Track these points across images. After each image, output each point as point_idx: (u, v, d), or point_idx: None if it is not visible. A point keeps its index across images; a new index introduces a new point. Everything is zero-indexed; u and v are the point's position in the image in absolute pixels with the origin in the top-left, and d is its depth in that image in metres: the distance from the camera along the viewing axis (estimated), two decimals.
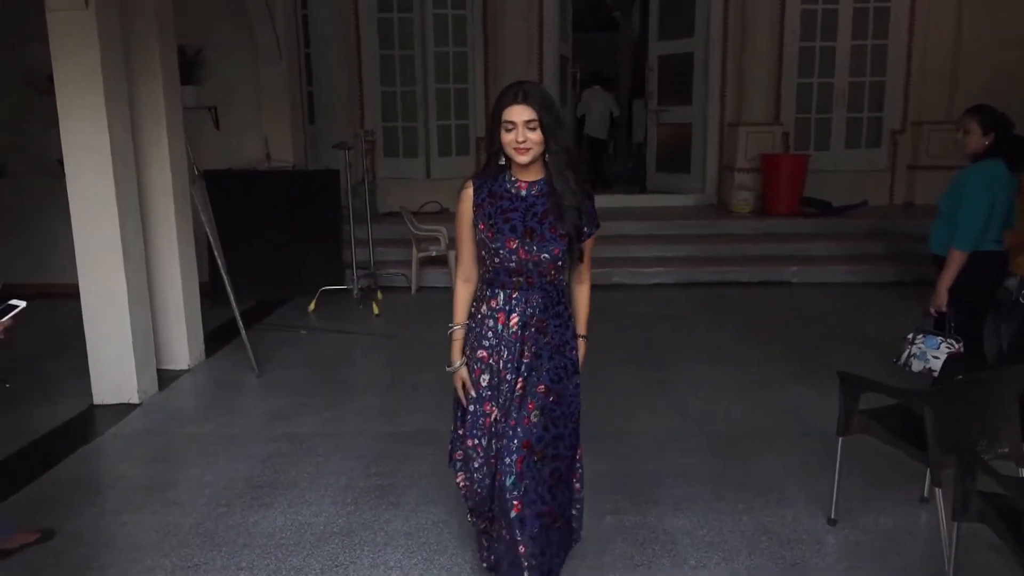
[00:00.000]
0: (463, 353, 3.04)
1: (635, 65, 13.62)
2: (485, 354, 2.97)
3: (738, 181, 10.04)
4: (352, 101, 10.34)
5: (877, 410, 4.06)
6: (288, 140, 8.83)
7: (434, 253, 8.07)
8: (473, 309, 3.00)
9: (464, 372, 3.04)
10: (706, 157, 10.68)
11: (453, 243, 6.07)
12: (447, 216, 8.99)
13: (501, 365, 2.94)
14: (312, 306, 7.50)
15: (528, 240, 2.80)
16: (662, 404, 5.50)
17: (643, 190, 11.14)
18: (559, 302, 2.96)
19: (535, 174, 2.86)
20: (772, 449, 4.88)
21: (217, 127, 8.67)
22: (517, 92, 2.77)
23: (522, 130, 2.75)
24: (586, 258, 3.01)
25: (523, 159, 2.78)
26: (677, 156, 11.00)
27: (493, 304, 2.92)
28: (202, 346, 6.59)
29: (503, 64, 10.19)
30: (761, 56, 10.17)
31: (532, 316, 2.90)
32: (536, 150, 2.79)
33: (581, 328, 3.11)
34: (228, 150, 8.66)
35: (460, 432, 3.12)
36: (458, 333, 3.03)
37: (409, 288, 8.22)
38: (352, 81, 10.34)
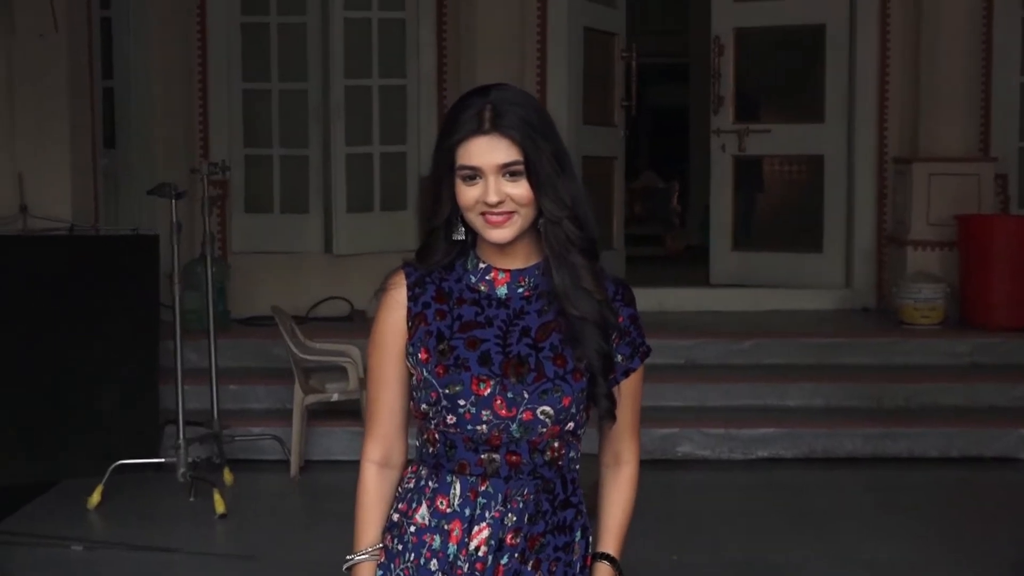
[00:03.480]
0: None
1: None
2: None
3: (915, 266, 8.79)
4: (187, 108, 9.22)
5: None
6: (64, 180, 7.88)
7: (335, 397, 7.25)
8: (398, 517, 2.44)
9: None
10: (852, 222, 9.40)
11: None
12: (362, 327, 7.59)
13: None
14: (96, 496, 6.57)
15: (513, 381, 2.30)
16: None
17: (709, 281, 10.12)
18: (568, 503, 2.41)
19: (523, 257, 2.38)
20: None
21: None
22: (482, 111, 2.27)
23: (495, 183, 2.26)
24: (626, 413, 2.45)
25: (501, 235, 2.30)
26: (791, 220, 9.84)
27: (441, 506, 2.38)
28: None
29: (474, 39, 9.02)
30: (956, 34, 8.87)
31: (515, 530, 2.36)
32: (524, 218, 2.31)
33: (609, 544, 2.48)
34: None
35: None
36: (365, 572, 2.47)
37: (286, 463, 7.21)
38: (188, 71, 9.17)
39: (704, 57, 11.11)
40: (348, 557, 2.45)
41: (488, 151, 2.26)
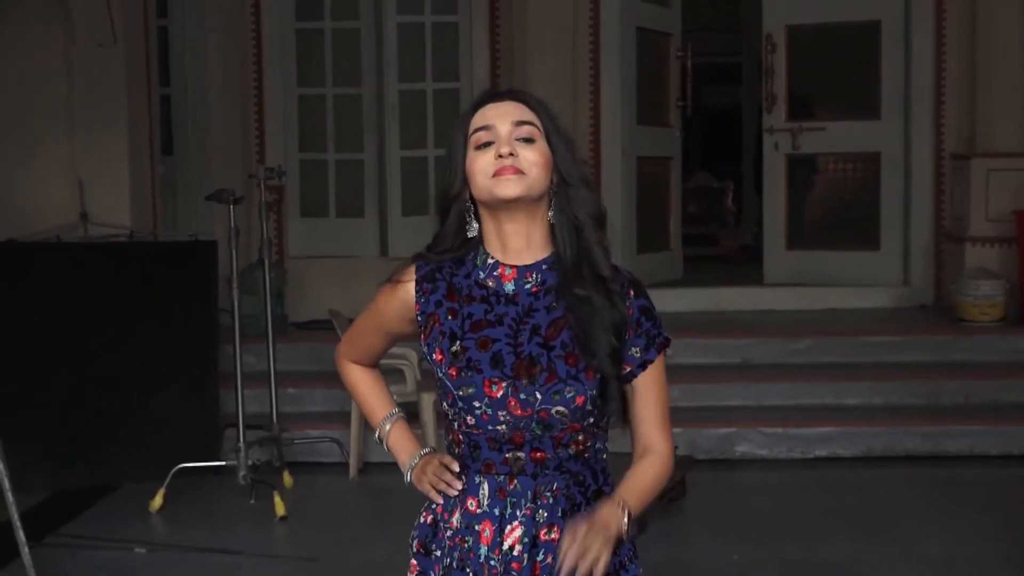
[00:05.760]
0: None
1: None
2: None
3: (974, 262, 8.76)
4: (243, 114, 9.27)
5: None
6: (123, 188, 7.89)
7: (395, 399, 6.47)
8: (433, 519, 2.43)
9: (436, 459, 2.41)
10: (909, 219, 9.34)
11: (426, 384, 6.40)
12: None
13: None
14: (158, 500, 6.59)
15: (525, 382, 2.26)
16: None
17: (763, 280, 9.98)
18: (600, 492, 2.34)
19: (531, 253, 2.31)
20: None
21: None
22: (497, 88, 2.61)
23: (508, 137, 2.25)
24: (651, 406, 2.35)
25: (508, 187, 2.23)
26: (848, 218, 9.73)
27: (471, 507, 2.34)
28: None
29: (527, 42, 8.95)
30: (1012, 28, 8.77)
31: (549, 526, 2.30)
32: (536, 178, 2.25)
33: (621, 488, 2.34)
34: (7, 205, 7.77)
35: None
36: (397, 432, 2.51)
37: (345, 466, 7.21)
38: (244, 77, 9.24)
39: (757, 55, 11.01)
40: (381, 422, 2.57)
41: (503, 111, 2.31)
